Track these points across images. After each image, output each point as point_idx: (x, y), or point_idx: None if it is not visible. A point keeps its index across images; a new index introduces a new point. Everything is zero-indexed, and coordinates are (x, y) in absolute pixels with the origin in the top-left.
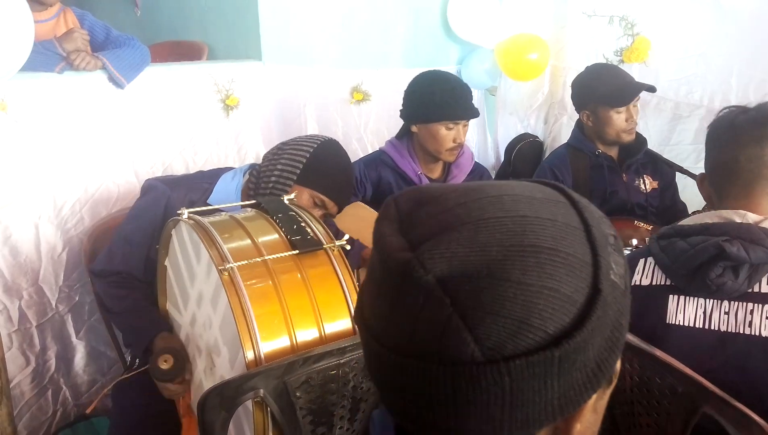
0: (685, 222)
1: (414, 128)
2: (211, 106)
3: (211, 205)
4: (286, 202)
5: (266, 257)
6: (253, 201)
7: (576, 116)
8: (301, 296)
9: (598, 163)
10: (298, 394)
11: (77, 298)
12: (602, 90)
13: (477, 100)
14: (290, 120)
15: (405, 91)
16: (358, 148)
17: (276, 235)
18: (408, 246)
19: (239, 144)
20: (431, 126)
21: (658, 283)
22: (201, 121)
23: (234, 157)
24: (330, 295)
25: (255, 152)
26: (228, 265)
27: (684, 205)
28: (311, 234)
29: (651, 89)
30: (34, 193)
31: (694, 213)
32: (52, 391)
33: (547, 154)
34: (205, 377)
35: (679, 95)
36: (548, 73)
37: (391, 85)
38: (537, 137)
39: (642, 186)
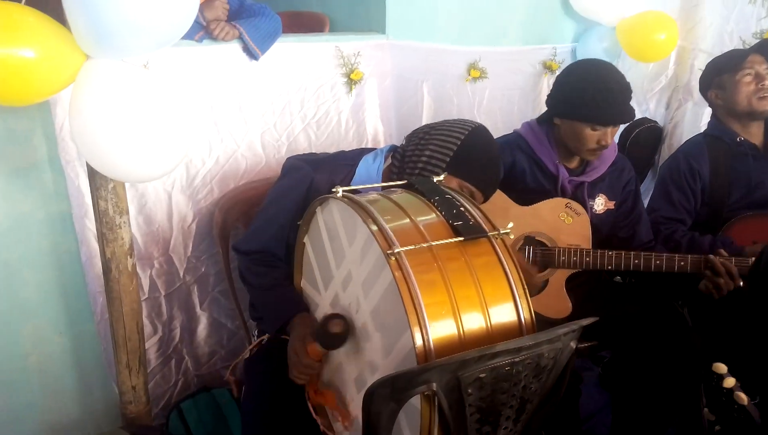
0: None
1: (557, 120)
2: (335, 80)
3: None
4: (438, 184)
5: (432, 243)
6: (404, 181)
7: (703, 103)
8: (468, 287)
9: (740, 152)
10: (469, 390)
11: (203, 269)
12: (721, 59)
13: None
14: (407, 97)
15: (557, 78)
16: None
17: (436, 219)
18: None
19: (359, 120)
20: (575, 124)
21: None
22: (325, 95)
23: (353, 133)
24: (496, 287)
25: (373, 128)
26: (396, 250)
27: None
28: (472, 219)
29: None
30: None
31: None
32: (175, 360)
33: (665, 142)
34: (347, 360)
35: None
36: (674, 55)
37: (507, 63)
38: (656, 123)
39: None
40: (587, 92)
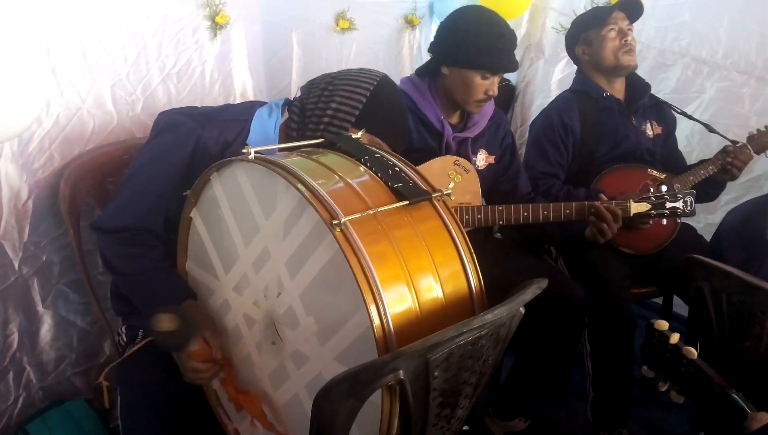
0: None
1: (444, 70)
2: (198, 24)
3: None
4: (360, 141)
5: (378, 210)
6: (320, 139)
7: (553, 61)
8: (420, 257)
9: (606, 106)
10: (436, 373)
11: (44, 258)
12: (587, 15)
13: None
14: (277, 48)
15: (442, 25)
16: None
17: (371, 181)
18: None
19: (225, 72)
20: (466, 72)
21: None
22: (187, 41)
23: (219, 87)
24: (445, 254)
25: (241, 82)
26: (343, 219)
27: (681, 155)
28: (411, 181)
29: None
30: None
31: (700, 162)
32: (13, 372)
33: (518, 100)
34: (260, 353)
35: (665, 42)
36: (527, 14)
37: (372, 15)
38: (509, 81)
39: (648, 131)
40: (481, 38)
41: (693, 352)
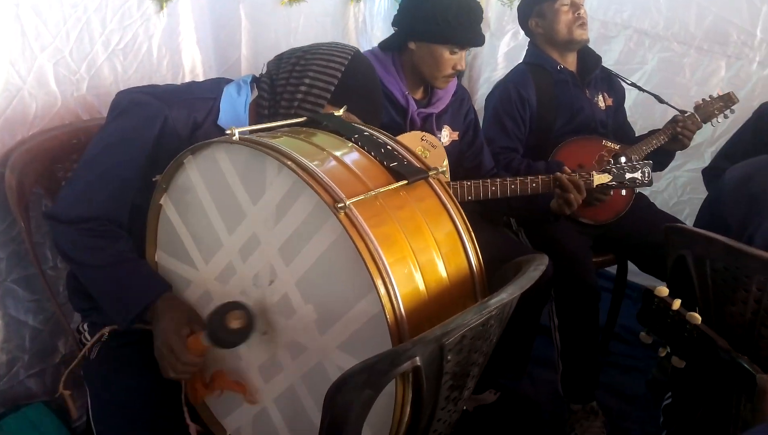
0: None
1: (411, 45)
2: None
3: (222, 128)
4: (344, 119)
5: (379, 190)
6: (303, 118)
7: (499, 35)
8: (422, 237)
9: (561, 79)
10: (449, 357)
11: None
12: None
13: (386, 13)
14: (225, 21)
15: (406, 0)
16: None
17: (366, 161)
18: None
19: (173, 48)
20: (434, 47)
21: None
22: (132, 14)
23: (168, 64)
24: (444, 233)
25: (190, 58)
26: (347, 202)
27: (630, 125)
28: (405, 159)
29: None
30: None
31: (651, 132)
32: None
33: (465, 75)
34: (248, 345)
35: (608, 14)
36: None
37: None
38: None
39: (601, 103)
40: (450, 12)
41: (697, 317)
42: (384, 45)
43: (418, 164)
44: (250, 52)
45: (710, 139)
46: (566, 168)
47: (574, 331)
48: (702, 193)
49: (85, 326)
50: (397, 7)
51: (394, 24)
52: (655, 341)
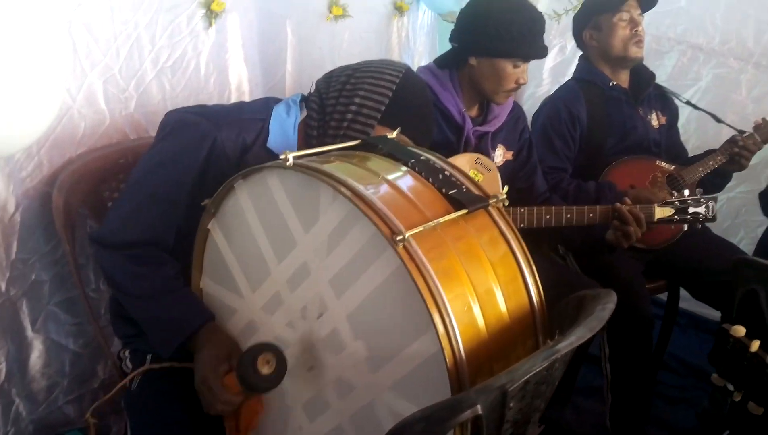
0: None
1: (473, 60)
2: (193, 11)
3: (271, 150)
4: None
5: (438, 221)
6: (356, 141)
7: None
8: (483, 271)
9: (613, 96)
10: (511, 404)
11: (33, 276)
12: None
13: (429, 27)
14: (272, 37)
15: (466, 13)
16: None
17: (424, 188)
18: None
19: (221, 65)
20: (498, 61)
21: None
22: (181, 31)
23: (215, 81)
24: (505, 266)
25: (237, 75)
26: (406, 235)
27: (683, 144)
28: (464, 186)
29: None
30: None
31: (707, 153)
32: (1, 406)
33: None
34: (293, 380)
35: (661, 29)
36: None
37: (365, 1)
38: None
39: (654, 121)
40: (514, 25)
41: None
42: (441, 61)
43: (477, 191)
44: (295, 68)
45: (767, 160)
46: (627, 199)
47: (626, 361)
48: (757, 216)
49: (127, 353)
50: (442, 21)
51: (452, 40)
52: (706, 371)
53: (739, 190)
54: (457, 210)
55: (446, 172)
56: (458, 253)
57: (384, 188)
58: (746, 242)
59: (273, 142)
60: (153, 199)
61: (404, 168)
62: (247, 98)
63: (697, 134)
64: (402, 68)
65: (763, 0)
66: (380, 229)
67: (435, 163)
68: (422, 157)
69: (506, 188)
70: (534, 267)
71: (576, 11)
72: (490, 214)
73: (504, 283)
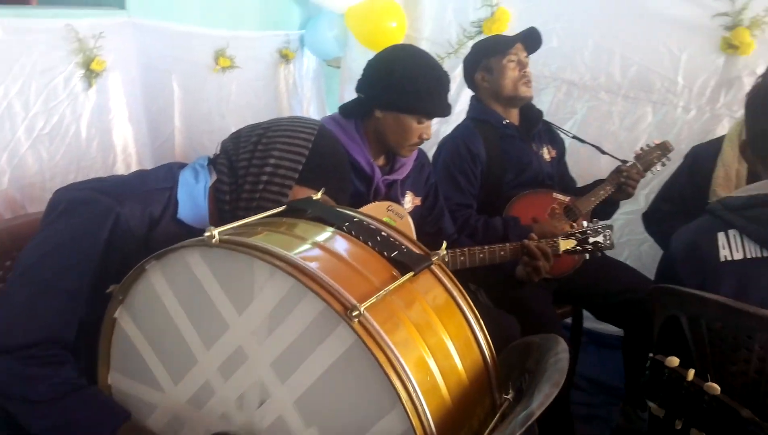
0: (744, 192)
1: (378, 113)
2: (71, 72)
3: (182, 222)
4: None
5: (389, 288)
6: (281, 207)
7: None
8: (436, 335)
9: (507, 134)
10: None
11: None
12: (488, 42)
13: (314, 73)
14: (156, 92)
15: (373, 66)
16: (222, 129)
17: (364, 253)
18: None
19: (103, 127)
20: (403, 117)
21: (754, 256)
22: (58, 94)
23: (98, 145)
24: (455, 325)
25: (122, 137)
26: (362, 309)
27: (571, 176)
28: (404, 246)
29: (533, 35)
30: None
31: (596, 182)
32: None
33: None
34: None
35: (537, 67)
36: None
37: (250, 51)
38: None
39: (546, 155)
40: (419, 82)
41: (716, 387)
42: (346, 111)
43: (417, 250)
44: (183, 123)
45: (643, 183)
46: (533, 235)
47: None
48: (639, 235)
49: None
50: (327, 66)
51: (358, 90)
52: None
53: (621, 211)
54: (402, 273)
55: (383, 233)
56: (412, 320)
57: (325, 258)
58: (632, 259)
59: (183, 212)
60: (48, 292)
61: (340, 233)
62: (134, 160)
63: (577, 165)
64: (315, 125)
65: (626, 38)
66: (330, 304)
67: (370, 225)
68: (356, 220)
69: (445, 244)
70: (482, 322)
71: (457, 54)
72: (433, 272)
73: (457, 343)
